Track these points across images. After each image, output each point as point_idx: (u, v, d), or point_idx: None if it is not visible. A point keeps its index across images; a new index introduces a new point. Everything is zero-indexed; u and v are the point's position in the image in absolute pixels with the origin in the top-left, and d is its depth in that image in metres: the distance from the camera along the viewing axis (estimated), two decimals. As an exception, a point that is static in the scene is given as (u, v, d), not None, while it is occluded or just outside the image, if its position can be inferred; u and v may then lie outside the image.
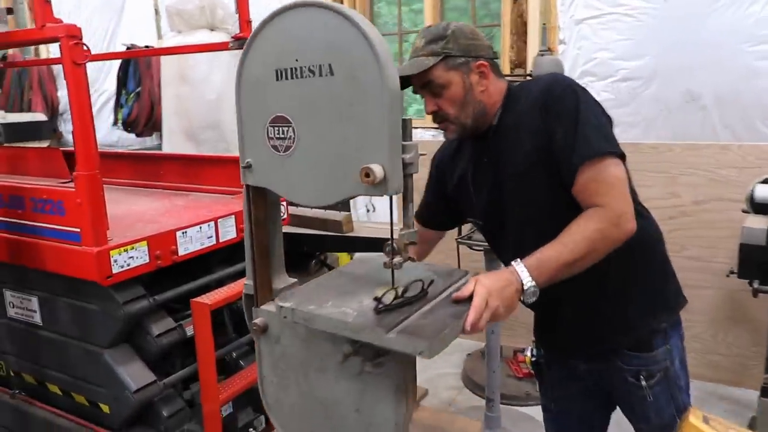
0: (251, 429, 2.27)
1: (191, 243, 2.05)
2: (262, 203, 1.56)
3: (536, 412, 3.08)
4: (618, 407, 1.66)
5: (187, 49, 3.43)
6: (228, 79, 2.35)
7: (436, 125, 1.55)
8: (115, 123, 6.18)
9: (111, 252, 1.79)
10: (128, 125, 6.18)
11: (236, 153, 1.37)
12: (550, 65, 2.97)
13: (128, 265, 1.85)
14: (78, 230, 1.80)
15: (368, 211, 5.31)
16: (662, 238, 1.59)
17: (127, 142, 6.58)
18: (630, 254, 1.41)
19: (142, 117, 5.97)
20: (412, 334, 1.06)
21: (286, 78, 1.16)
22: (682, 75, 3.68)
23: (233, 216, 2.22)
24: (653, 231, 1.56)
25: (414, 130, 4.32)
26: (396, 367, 1.19)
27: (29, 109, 6.60)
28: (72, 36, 1.64)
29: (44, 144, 6.06)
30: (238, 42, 2.40)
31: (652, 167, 3.42)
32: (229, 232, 2.22)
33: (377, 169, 1.07)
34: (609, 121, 1.43)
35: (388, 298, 1.17)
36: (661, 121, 3.84)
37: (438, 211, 1.74)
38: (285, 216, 2.59)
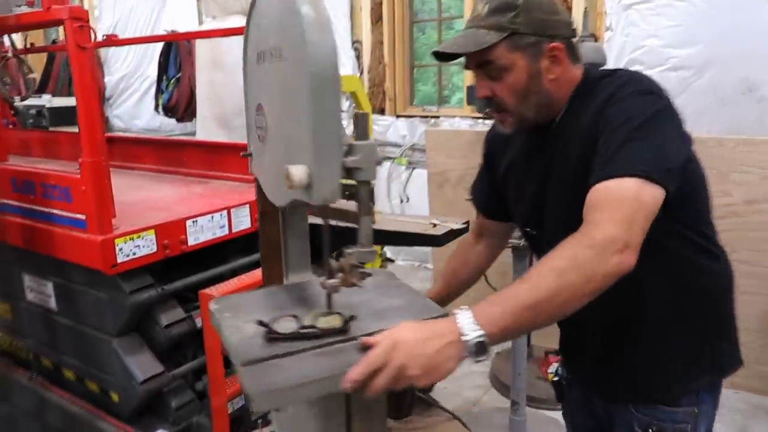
0: (260, 421, 2.22)
1: (202, 232, 2.00)
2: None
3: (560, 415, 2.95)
4: None
5: (204, 34, 3.38)
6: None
7: (484, 114, 1.34)
8: (156, 108, 6.28)
9: (116, 240, 1.76)
10: (168, 110, 6.27)
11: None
12: (591, 53, 2.79)
13: (134, 254, 1.81)
14: (84, 217, 1.77)
15: (402, 201, 5.21)
16: (732, 288, 1.30)
17: (169, 127, 6.68)
18: (685, 301, 1.22)
19: (182, 102, 6.04)
20: (259, 375, 0.89)
21: (261, 62, 1.08)
22: (737, 64, 3.43)
23: (247, 205, 2.16)
24: (723, 280, 1.29)
25: (453, 120, 4.12)
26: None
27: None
28: (76, 18, 1.60)
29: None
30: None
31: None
32: (243, 221, 2.16)
33: (296, 172, 0.91)
34: (678, 137, 1.12)
35: (286, 327, 1.00)
36: (713, 113, 3.60)
37: (492, 201, 1.51)
38: (303, 206, 2.53)
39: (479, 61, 1.21)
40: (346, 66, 5.32)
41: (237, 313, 1.10)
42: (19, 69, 3.55)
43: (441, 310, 1.10)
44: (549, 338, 3.55)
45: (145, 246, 1.84)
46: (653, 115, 1.10)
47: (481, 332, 0.93)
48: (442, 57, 1.25)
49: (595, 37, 4.12)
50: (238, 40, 2.73)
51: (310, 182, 0.92)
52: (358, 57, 5.32)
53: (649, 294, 1.20)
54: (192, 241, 1.97)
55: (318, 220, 2.86)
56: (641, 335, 1.26)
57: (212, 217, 2.02)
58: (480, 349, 0.93)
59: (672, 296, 1.20)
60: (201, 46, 4.31)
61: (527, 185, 1.34)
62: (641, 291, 1.21)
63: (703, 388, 1.27)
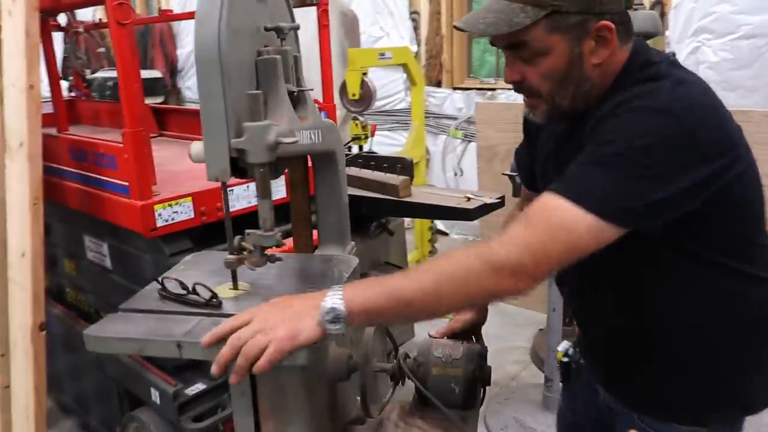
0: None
1: (237, 200, 2.09)
2: (298, 165, 1.57)
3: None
4: None
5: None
6: (317, 37, 2.36)
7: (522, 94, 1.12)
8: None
9: (155, 206, 1.88)
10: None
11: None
12: (644, 22, 2.64)
13: (173, 219, 1.94)
14: (127, 184, 1.91)
15: (456, 174, 5.18)
16: None
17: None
18: (721, 329, 1.10)
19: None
20: (109, 321, 1.02)
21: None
22: (816, 32, 3.18)
23: (282, 177, 2.23)
24: (758, 307, 1.12)
25: (509, 92, 4.00)
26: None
27: (151, 66, 7.10)
28: (116, -4, 1.70)
29: (158, 100, 6.49)
30: (298, 0, 2.37)
31: (764, 139, 3.00)
32: (279, 191, 2.23)
33: (194, 149, 0.96)
34: (674, 171, 0.94)
35: (175, 287, 1.08)
36: (787, 84, 3.36)
37: (533, 175, 1.35)
38: (340, 178, 2.59)
39: (510, 42, 1.04)
40: (404, 38, 5.29)
41: (189, 268, 1.19)
42: (90, 43, 3.80)
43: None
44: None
45: (183, 212, 1.96)
46: (648, 141, 0.94)
47: (340, 302, 0.92)
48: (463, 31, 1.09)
49: (661, 4, 3.91)
50: (299, 11, 2.76)
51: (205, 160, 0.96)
52: (416, 28, 5.28)
53: (677, 318, 1.10)
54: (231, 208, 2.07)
55: (358, 192, 2.92)
56: (665, 354, 1.15)
57: (248, 186, 2.11)
58: (334, 318, 0.92)
59: (705, 322, 1.09)
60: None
61: (551, 176, 1.14)
62: (669, 313, 1.11)
63: (723, 421, 1.17)
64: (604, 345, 1.27)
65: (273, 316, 0.93)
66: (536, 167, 1.33)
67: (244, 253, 1.07)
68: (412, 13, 5.26)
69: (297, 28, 1.19)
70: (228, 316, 1.03)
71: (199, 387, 2.12)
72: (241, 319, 0.94)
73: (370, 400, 1.30)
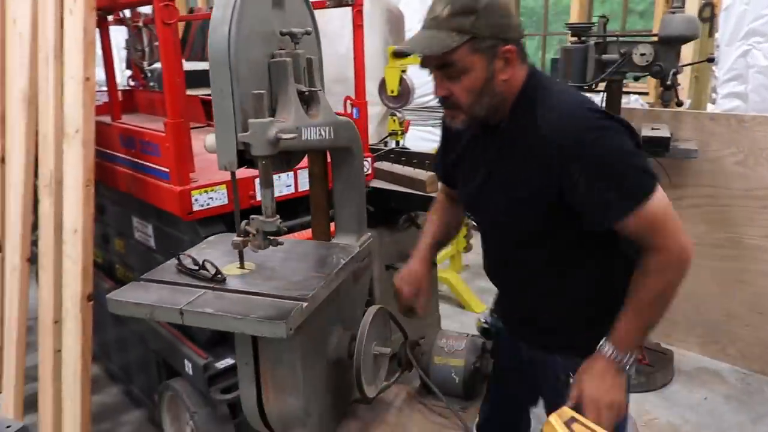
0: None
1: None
2: (317, 159, 1.68)
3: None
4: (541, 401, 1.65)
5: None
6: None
7: (444, 107, 1.38)
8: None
9: (192, 192, 2.04)
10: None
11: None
12: (682, 26, 2.62)
13: (208, 204, 2.09)
14: (168, 170, 2.07)
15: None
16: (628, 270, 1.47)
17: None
18: (600, 275, 1.43)
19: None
20: (130, 288, 1.19)
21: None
22: None
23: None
24: (623, 267, 1.41)
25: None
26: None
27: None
28: (162, -2, 1.86)
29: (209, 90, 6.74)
30: (334, 1, 2.49)
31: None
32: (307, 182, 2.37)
33: (208, 140, 1.09)
34: (636, 143, 1.29)
35: (189, 263, 1.23)
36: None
37: (449, 174, 1.63)
38: (369, 172, 2.69)
39: (440, 63, 1.27)
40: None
41: (209, 247, 1.32)
42: (149, 37, 4.03)
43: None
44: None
45: (217, 198, 2.11)
46: (616, 147, 1.27)
47: (629, 354, 1.32)
48: (399, 54, 1.38)
49: (712, 5, 3.82)
50: (338, 10, 2.88)
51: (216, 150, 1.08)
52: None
53: (589, 280, 1.43)
54: (259, 196, 2.21)
55: (389, 186, 3.03)
56: (581, 307, 1.45)
57: (279, 176, 2.24)
58: (634, 363, 1.35)
59: (606, 281, 1.42)
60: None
61: (472, 176, 1.47)
62: (585, 276, 1.43)
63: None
64: (528, 306, 1.53)
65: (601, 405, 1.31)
66: (458, 168, 1.55)
67: (249, 236, 1.19)
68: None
69: (309, 33, 1.29)
70: (231, 291, 1.15)
71: (228, 361, 2.26)
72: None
73: (367, 382, 1.41)
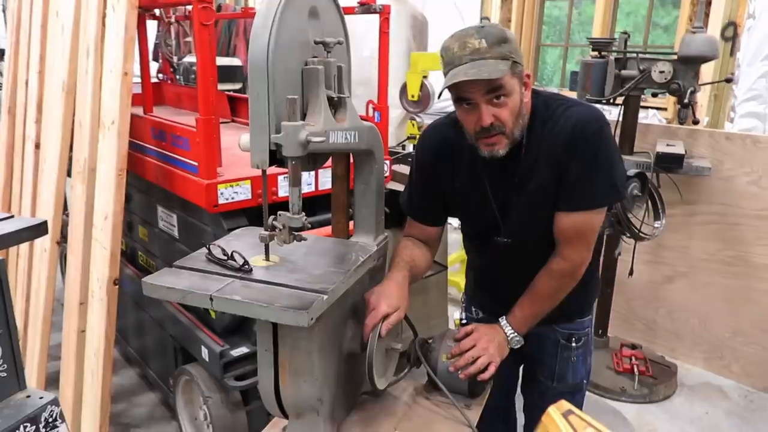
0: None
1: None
2: (340, 161, 1.76)
3: (626, 408, 2.97)
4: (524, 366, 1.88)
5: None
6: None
7: (484, 137, 1.43)
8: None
9: (218, 186, 2.14)
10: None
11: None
12: (702, 46, 2.67)
13: (233, 198, 2.19)
14: (196, 164, 2.17)
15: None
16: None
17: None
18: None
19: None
20: (163, 273, 1.26)
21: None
22: None
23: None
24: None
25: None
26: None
27: (233, 54, 7.52)
28: (201, 1, 1.95)
29: (236, 86, 6.87)
30: (363, 7, 2.57)
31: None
32: (328, 181, 2.45)
33: (243, 139, 1.17)
34: (620, 158, 1.52)
35: (219, 253, 1.31)
36: None
37: (433, 210, 1.71)
38: (388, 174, 2.77)
39: (489, 88, 1.36)
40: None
41: (235, 239, 1.43)
42: (177, 31, 4.15)
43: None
44: (632, 332, 3.53)
45: (242, 193, 2.20)
46: (608, 148, 1.48)
47: (515, 333, 1.59)
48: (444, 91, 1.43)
49: (735, 25, 3.85)
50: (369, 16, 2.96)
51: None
52: (486, 34, 5.37)
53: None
54: (282, 193, 2.30)
55: (402, 188, 3.10)
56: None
57: (309, 174, 2.33)
58: (517, 342, 1.59)
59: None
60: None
61: (491, 197, 1.57)
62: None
63: (593, 300, 1.82)
64: (517, 286, 1.66)
65: (489, 346, 1.54)
66: (463, 195, 1.63)
67: (276, 230, 1.28)
68: (482, 18, 5.36)
69: (341, 43, 1.37)
70: (257, 281, 1.24)
71: (243, 350, 2.36)
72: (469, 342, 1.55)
73: (378, 375, 1.48)
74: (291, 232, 1.28)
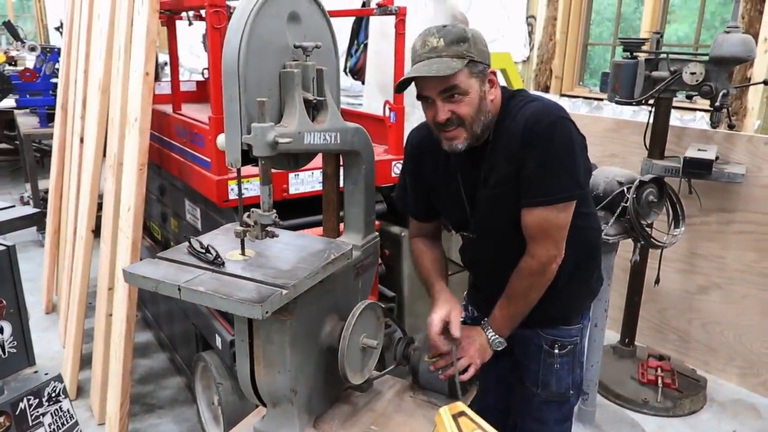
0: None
1: (302, 184, 2.39)
2: (329, 159, 1.81)
3: (647, 420, 2.88)
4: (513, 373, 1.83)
5: (366, 11, 3.73)
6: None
7: (443, 131, 1.49)
8: (345, 71, 6.89)
9: (229, 182, 2.22)
10: (354, 73, 6.84)
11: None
12: (735, 46, 2.55)
13: (243, 194, 2.26)
14: (209, 160, 2.27)
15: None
16: (600, 237, 1.79)
17: (358, 88, 7.29)
18: (576, 255, 1.59)
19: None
20: (146, 264, 1.33)
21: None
22: None
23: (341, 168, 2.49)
24: (595, 233, 1.72)
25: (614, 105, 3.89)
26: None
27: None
28: (213, 5, 2.04)
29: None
30: (381, 9, 2.60)
31: None
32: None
33: (219, 139, 1.23)
34: (583, 152, 1.49)
35: (198, 246, 1.36)
36: None
37: (425, 206, 1.76)
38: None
39: (443, 87, 1.41)
40: (519, 41, 5.33)
41: (221, 233, 1.51)
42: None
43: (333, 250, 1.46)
44: (663, 343, 3.40)
45: (252, 189, 2.28)
46: (564, 143, 1.46)
47: (496, 335, 1.61)
48: (401, 85, 1.48)
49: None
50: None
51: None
52: (530, 33, 5.29)
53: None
54: (292, 190, 2.37)
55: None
56: (557, 281, 1.59)
57: (312, 173, 2.39)
58: (499, 344, 1.62)
59: (569, 254, 1.56)
60: (374, 18, 4.69)
61: (463, 192, 1.61)
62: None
63: (585, 308, 1.76)
64: (496, 271, 1.65)
65: (470, 348, 1.60)
66: (440, 191, 1.68)
67: (250, 227, 1.33)
68: (528, 17, 5.28)
69: (319, 47, 1.41)
70: (227, 274, 1.30)
71: (254, 340, 2.45)
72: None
73: (351, 369, 1.52)
74: (263, 229, 1.34)
